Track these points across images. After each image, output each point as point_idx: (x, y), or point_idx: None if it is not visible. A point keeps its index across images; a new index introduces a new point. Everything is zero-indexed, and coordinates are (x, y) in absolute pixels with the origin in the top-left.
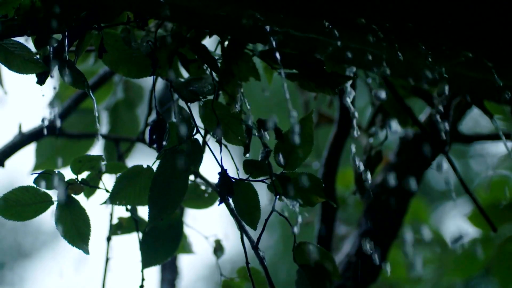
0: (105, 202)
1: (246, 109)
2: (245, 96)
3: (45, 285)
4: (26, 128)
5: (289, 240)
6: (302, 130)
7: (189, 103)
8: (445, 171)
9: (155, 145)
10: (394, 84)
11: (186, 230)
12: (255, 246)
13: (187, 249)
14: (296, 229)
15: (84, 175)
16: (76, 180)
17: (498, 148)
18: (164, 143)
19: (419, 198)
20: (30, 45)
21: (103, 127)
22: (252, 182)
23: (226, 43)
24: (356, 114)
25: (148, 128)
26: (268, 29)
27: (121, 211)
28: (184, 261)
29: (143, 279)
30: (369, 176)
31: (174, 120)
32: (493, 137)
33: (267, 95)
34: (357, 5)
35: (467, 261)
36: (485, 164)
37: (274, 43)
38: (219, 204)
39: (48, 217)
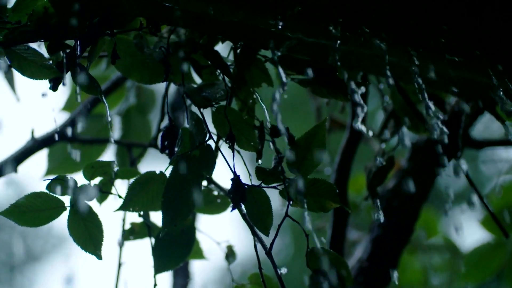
0: (119, 209)
1: (263, 116)
2: (257, 102)
3: None
4: (38, 134)
5: (300, 243)
6: (314, 136)
7: (201, 109)
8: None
9: (166, 151)
10: (406, 89)
11: (198, 235)
12: (268, 252)
13: (199, 255)
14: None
15: (96, 180)
16: (89, 187)
17: (510, 153)
18: (175, 149)
19: (430, 203)
20: (43, 50)
21: (116, 133)
22: (265, 188)
23: (239, 49)
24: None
25: (160, 134)
26: (281, 35)
27: (133, 216)
28: (195, 265)
29: (155, 285)
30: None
31: (186, 125)
32: (505, 142)
33: (282, 99)
34: (368, 10)
35: (478, 266)
36: (496, 169)
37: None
38: (231, 211)
39: (58, 220)
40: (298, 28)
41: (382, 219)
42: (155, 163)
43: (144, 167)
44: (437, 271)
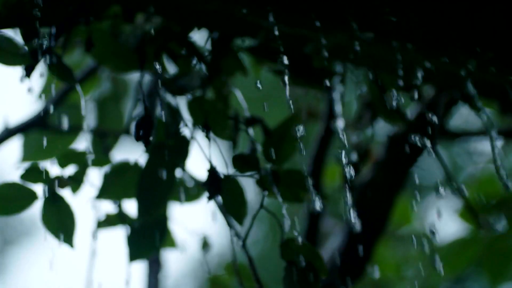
0: (93, 198)
1: (238, 104)
2: (234, 91)
3: (28, 277)
4: (12, 121)
5: (278, 234)
6: (289, 126)
7: (176, 98)
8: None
9: (142, 141)
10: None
11: (173, 225)
12: (242, 243)
13: (174, 244)
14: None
15: (70, 169)
16: (62, 176)
17: (486, 144)
18: (151, 138)
19: (405, 194)
20: (18, 37)
21: (90, 120)
22: (241, 177)
23: (215, 37)
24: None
25: (134, 123)
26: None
27: (106, 205)
28: (169, 255)
29: (129, 273)
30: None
31: (160, 114)
32: (481, 133)
33: (257, 89)
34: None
35: (455, 258)
36: (472, 161)
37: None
38: (207, 202)
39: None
40: (278, 18)
41: (354, 219)
42: (129, 150)
43: (117, 154)
44: (412, 262)
